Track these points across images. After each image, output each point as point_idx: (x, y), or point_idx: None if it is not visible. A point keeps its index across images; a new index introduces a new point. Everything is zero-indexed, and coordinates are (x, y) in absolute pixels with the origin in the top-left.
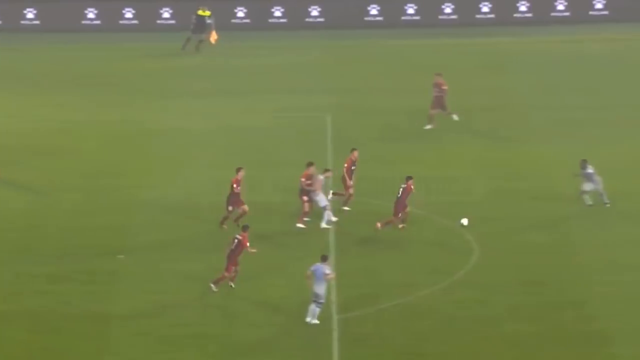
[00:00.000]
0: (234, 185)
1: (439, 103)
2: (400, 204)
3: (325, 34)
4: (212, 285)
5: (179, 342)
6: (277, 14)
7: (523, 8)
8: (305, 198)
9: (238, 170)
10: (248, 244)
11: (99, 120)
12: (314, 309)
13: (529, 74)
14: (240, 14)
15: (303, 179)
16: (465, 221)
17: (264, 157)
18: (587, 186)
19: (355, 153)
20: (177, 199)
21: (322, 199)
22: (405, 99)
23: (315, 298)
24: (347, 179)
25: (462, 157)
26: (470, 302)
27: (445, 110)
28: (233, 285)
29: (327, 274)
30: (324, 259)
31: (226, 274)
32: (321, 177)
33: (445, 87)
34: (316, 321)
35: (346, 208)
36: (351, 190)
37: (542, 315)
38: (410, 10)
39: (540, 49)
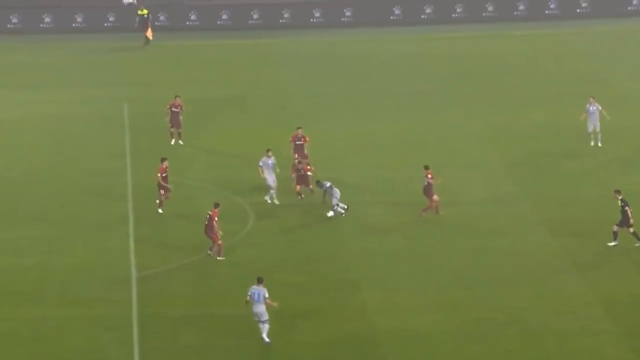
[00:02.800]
0: (160, 174)
1: (176, 122)
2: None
3: (119, 37)
4: (217, 257)
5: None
6: (79, 19)
7: (287, 15)
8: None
9: (163, 160)
10: (216, 219)
11: None
12: (262, 327)
13: (290, 68)
14: (47, 20)
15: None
16: (330, 213)
17: (68, 139)
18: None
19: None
20: None
21: (270, 179)
22: (190, 89)
23: (257, 317)
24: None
25: (241, 136)
26: (246, 260)
27: (179, 128)
28: (211, 254)
29: (267, 298)
30: (260, 281)
31: (219, 242)
32: (268, 158)
33: (182, 108)
34: (267, 340)
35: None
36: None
37: (304, 267)
38: (193, 17)
39: (299, 49)
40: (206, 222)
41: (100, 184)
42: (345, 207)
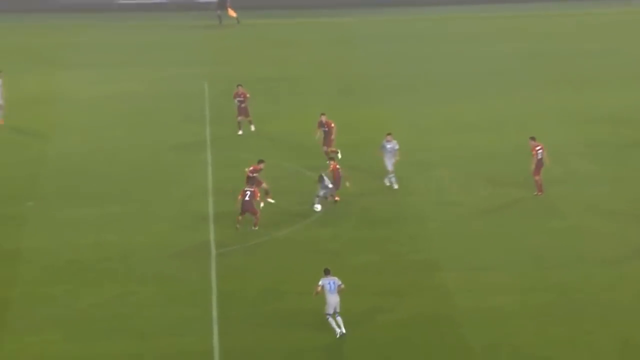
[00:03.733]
0: (251, 172)
1: (242, 111)
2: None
3: (192, 15)
4: (254, 227)
5: (76, 273)
6: None
7: None
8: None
9: (260, 161)
10: (259, 195)
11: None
12: (339, 320)
13: (368, 47)
14: None
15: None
16: (318, 207)
17: (147, 118)
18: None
19: None
20: (76, 155)
21: (388, 163)
22: (264, 68)
23: (334, 309)
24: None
25: (314, 116)
26: (323, 238)
27: (248, 117)
28: (256, 228)
29: (340, 285)
30: (328, 272)
31: (258, 215)
32: (388, 143)
33: (247, 96)
34: (343, 330)
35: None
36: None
37: (382, 247)
38: None
39: (377, 28)
40: (247, 199)
41: (180, 162)
42: (319, 208)
